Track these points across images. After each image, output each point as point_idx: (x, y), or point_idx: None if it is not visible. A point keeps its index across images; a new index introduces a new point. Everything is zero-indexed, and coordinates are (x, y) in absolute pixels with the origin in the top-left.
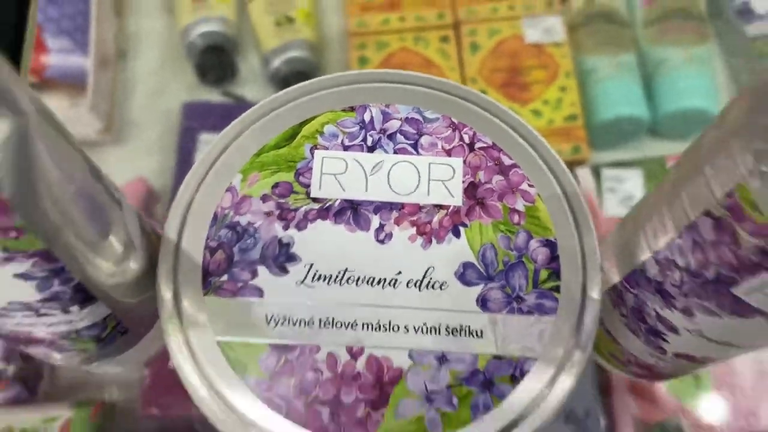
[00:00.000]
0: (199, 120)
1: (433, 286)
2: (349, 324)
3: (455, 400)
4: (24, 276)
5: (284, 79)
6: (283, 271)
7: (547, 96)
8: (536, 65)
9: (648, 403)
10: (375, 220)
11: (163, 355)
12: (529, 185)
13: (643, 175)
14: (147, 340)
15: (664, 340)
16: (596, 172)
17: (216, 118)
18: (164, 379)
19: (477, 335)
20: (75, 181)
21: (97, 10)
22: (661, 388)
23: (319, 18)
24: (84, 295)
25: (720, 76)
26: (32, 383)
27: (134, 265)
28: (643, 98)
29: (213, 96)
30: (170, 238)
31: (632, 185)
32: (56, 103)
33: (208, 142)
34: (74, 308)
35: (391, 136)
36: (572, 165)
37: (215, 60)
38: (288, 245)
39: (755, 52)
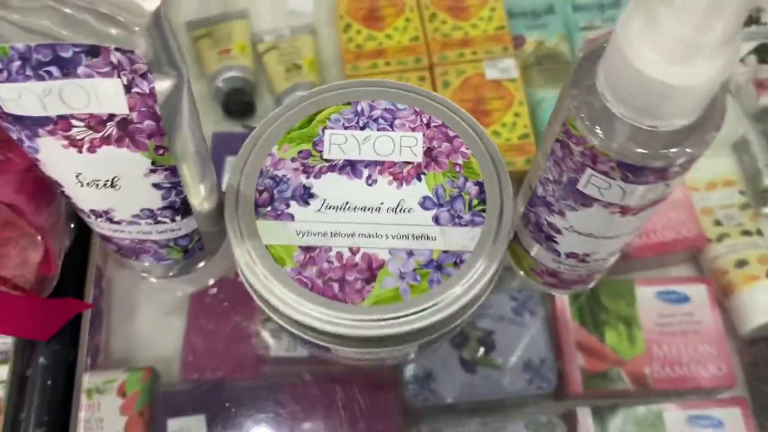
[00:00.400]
0: (225, 146)
1: (403, 211)
2: (349, 234)
3: (418, 277)
4: (157, 186)
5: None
6: (306, 203)
7: (505, 120)
8: (495, 96)
9: (592, 356)
10: (365, 172)
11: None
12: (466, 148)
13: None
14: (215, 261)
15: (555, 242)
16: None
17: (238, 144)
18: (199, 349)
19: (432, 239)
20: (195, 130)
21: None
22: (604, 346)
23: (321, 65)
24: (185, 207)
25: None
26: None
27: (211, 204)
28: None
29: (236, 128)
30: (233, 186)
31: None
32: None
33: (232, 162)
34: (178, 218)
35: (375, 120)
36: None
37: (237, 100)
38: (309, 188)
39: None
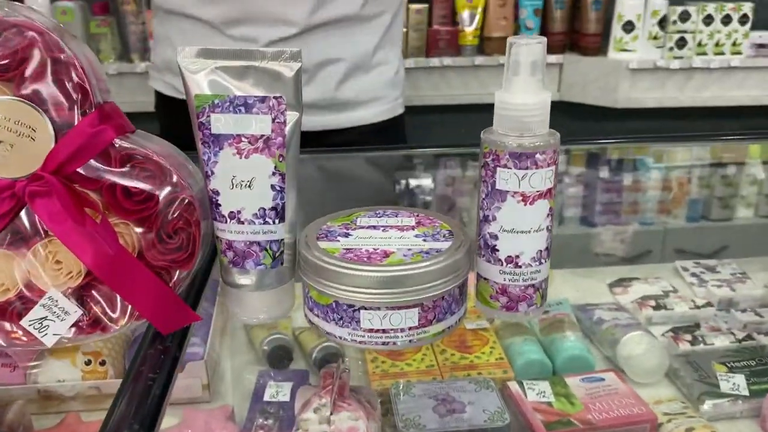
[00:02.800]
0: (267, 378)
1: (403, 238)
2: (371, 244)
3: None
4: (273, 187)
5: (315, 360)
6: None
7: (484, 350)
8: (474, 338)
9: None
10: (380, 229)
11: None
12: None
13: (549, 385)
14: (288, 286)
15: (497, 249)
16: (521, 384)
17: (279, 377)
18: None
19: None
20: (296, 151)
21: (214, 322)
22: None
23: None
24: (282, 213)
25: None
26: None
27: (292, 218)
28: (541, 352)
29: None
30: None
31: (543, 386)
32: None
33: (272, 386)
34: (277, 220)
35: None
36: (504, 381)
37: (280, 355)
38: (348, 233)
39: (606, 335)
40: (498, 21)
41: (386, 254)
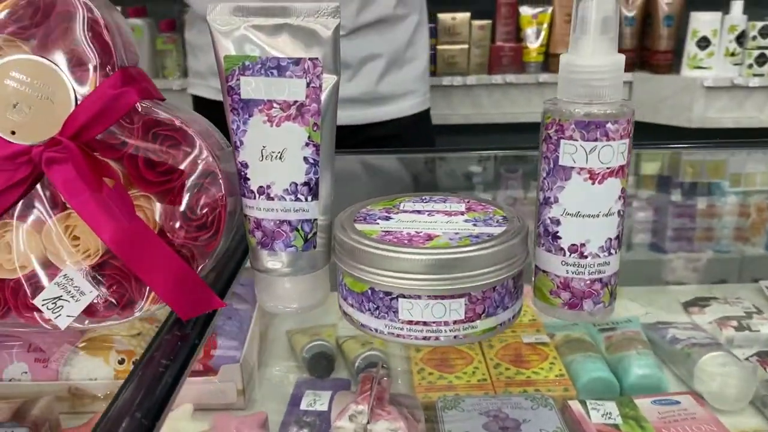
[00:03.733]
0: (306, 386)
1: (451, 223)
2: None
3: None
4: (305, 159)
5: (358, 370)
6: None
7: (543, 365)
8: (531, 352)
9: None
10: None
11: None
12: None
13: (617, 406)
14: (322, 273)
15: (558, 237)
16: (584, 403)
17: (318, 386)
18: None
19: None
20: (333, 120)
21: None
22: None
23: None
24: (316, 189)
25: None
26: None
27: (326, 198)
28: (608, 370)
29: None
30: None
31: (610, 406)
32: (210, 387)
33: (309, 395)
34: (310, 197)
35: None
36: (565, 399)
37: (321, 362)
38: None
39: (682, 355)
40: (564, 37)
41: (430, 237)
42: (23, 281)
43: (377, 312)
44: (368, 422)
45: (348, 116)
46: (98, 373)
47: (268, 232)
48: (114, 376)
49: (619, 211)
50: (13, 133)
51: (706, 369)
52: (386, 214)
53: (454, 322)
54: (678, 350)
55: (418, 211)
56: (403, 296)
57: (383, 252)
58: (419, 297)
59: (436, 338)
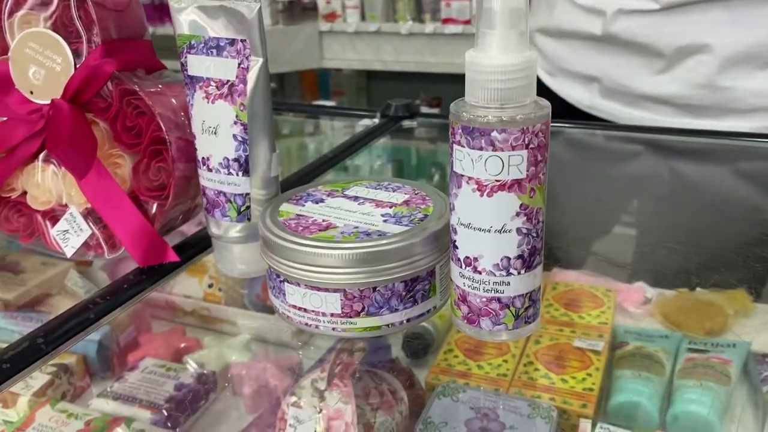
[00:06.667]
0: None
1: (367, 215)
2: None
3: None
4: (234, 137)
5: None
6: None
7: (578, 374)
8: (575, 357)
9: None
10: (360, 200)
11: None
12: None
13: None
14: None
15: (456, 246)
16: (594, 425)
17: None
18: None
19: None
20: (265, 102)
21: None
22: None
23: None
24: (246, 167)
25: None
26: None
27: (262, 174)
28: (655, 397)
29: None
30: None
31: None
32: (270, 324)
33: None
34: (241, 173)
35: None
36: (579, 416)
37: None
38: (323, 200)
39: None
40: None
41: (325, 228)
42: (47, 214)
43: (274, 291)
44: (324, 389)
45: None
46: (192, 291)
47: (210, 200)
48: (203, 297)
49: (520, 229)
50: (32, 92)
51: None
52: (322, 197)
53: (332, 315)
54: (764, 392)
55: (356, 197)
56: (288, 281)
57: (272, 237)
58: (298, 284)
59: (316, 326)
